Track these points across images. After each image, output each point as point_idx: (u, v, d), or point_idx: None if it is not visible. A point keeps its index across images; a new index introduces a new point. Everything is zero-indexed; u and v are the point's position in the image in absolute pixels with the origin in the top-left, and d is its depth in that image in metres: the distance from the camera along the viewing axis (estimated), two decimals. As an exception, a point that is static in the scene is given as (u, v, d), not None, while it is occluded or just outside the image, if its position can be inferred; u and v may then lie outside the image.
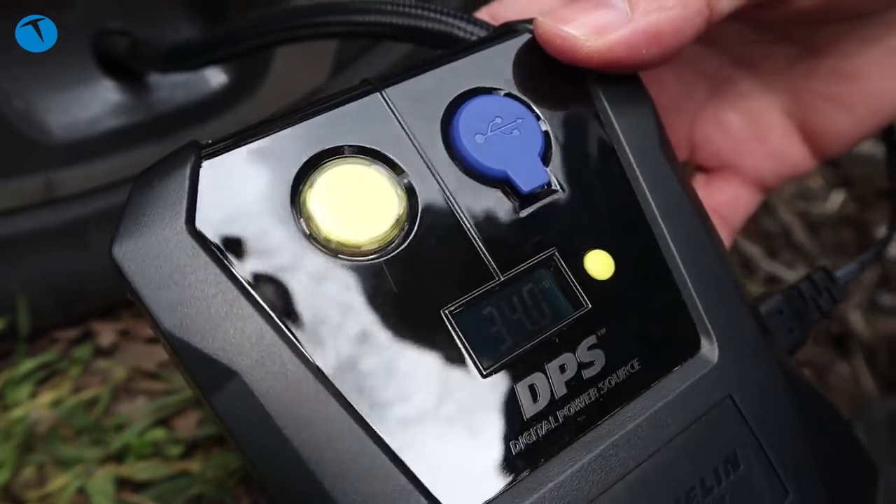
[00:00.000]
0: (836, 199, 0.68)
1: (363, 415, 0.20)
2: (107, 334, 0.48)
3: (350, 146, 0.22)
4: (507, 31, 0.26)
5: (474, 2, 0.32)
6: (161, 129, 0.44)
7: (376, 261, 0.21)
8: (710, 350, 0.23)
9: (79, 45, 0.42)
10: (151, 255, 0.20)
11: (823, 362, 0.55)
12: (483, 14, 0.31)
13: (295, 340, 0.20)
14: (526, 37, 0.25)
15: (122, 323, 0.49)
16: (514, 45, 0.25)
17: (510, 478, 0.20)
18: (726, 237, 0.35)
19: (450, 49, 0.25)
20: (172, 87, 0.45)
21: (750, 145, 0.34)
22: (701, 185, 0.36)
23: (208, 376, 0.19)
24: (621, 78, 0.25)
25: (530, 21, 0.25)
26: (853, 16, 0.29)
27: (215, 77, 0.46)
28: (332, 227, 0.21)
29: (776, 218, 0.65)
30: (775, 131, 0.34)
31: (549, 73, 0.25)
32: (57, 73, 0.42)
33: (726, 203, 0.35)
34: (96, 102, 0.43)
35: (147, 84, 0.44)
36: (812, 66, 0.32)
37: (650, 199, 0.24)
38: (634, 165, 0.24)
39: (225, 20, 0.44)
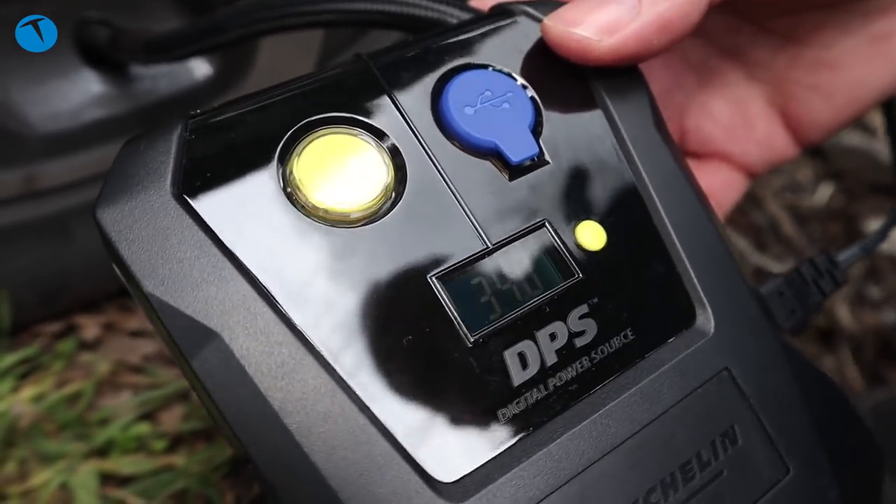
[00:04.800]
0: (825, 192, 0.68)
1: (346, 379, 0.20)
2: (91, 328, 0.47)
3: (338, 116, 0.22)
4: (500, 11, 0.26)
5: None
6: (144, 121, 0.44)
7: (364, 227, 0.21)
8: (705, 322, 0.23)
9: (59, 35, 0.41)
10: (135, 218, 0.20)
11: (810, 356, 0.55)
12: (475, 3, 0.31)
13: (277, 303, 0.20)
14: (519, 18, 0.25)
15: (107, 316, 0.49)
16: (506, 27, 0.25)
17: (498, 446, 0.20)
18: None
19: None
20: (156, 78, 0.44)
21: (738, 133, 0.35)
22: (693, 171, 0.36)
23: (189, 338, 0.19)
24: None
25: (523, 2, 0.26)
26: (833, 4, 0.29)
27: (199, 68, 0.45)
28: (320, 194, 0.21)
29: (764, 211, 0.65)
30: (760, 119, 0.34)
31: (541, 54, 0.25)
32: (37, 64, 0.41)
33: (717, 187, 0.36)
34: (78, 93, 0.42)
35: (130, 75, 0.44)
36: (793, 56, 0.32)
37: (643, 172, 0.24)
38: (627, 139, 0.24)
39: (208, 10, 0.43)
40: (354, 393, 0.19)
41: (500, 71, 0.24)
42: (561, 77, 0.25)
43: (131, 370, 0.46)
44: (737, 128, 0.35)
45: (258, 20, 0.29)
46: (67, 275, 0.45)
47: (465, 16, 0.27)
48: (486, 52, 0.24)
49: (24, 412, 0.42)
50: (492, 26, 0.25)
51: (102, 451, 0.42)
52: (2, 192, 0.41)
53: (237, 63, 0.45)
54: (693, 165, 0.36)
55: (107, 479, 0.41)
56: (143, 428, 0.43)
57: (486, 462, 0.20)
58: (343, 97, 0.22)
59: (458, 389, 0.20)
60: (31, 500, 0.40)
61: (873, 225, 0.65)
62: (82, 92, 0.43)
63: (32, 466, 0.41)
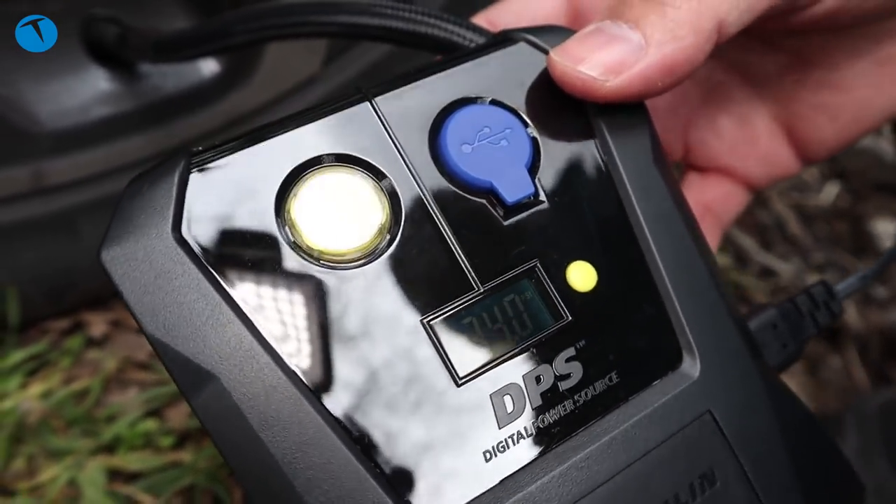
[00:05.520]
0: (831, 192, 0.68)
1: (339, 420, 0.20)
2: (98, 325, 0.48)
3: (336, 154, 0.22)
4: (504, 39, 0.25)
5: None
6: (152, 118, 0.44)
7: (358, 269, 0.21)
8: (691, 365, 0.23)
9: (67, 32, 0.42)
10: (137, 261, 0.20)
11: (816, 355, 0.55)
12: (480, 19, 0.31)
13: (274, 346, 0.20)
14: (521, 46, 0.25)
15: (114, 313, 0.49)
16: (508, 55, 0.25)
17: (480, 486, 0.21)
18: (717, 233, 0.36)
19: (448, 54, 0.25)
20: (164, 75, 0.44)
21: (741, 149, 0.35)
22: (694, 184, 0.36)
23: (188, 379, 0.20)
24: None
25: (526, 30, 0.25)
26: (842, 27, 0.29)
27: (207, 66, 0.45)
28: (316, 235, 0.21)
29: (770, 210, 0.65)
30: (764, 136, 0.34)
31: (542, 85, 0.25)
32: (45, 61, 0.41)
33: (719, 201, 0.36)
34: (86, 90, 0.43)
35: (138, 72, 0.44)
36: (801, 76, 0.32)
37: (639, 213, 0.24)
38: (625, 179, 0.24)
39: (216, 7, 0.43)
40: (348, 436, 0.20)
41: (499, 104, 0.24)
42: (561, 111, 0.25)
43: (138, 367, 0.47)
44: (740, 143, 0.35)
45: (267, 27, 0.29)
46: (75, 272, 0.45)
47: (471, 34, 0.27)
48: (487, 83, 0.24)
49: (32, 408, 0.43)
50: (494, 55, 0.25)
51: (110, 448, 0.42)
52: (10, 188, 0.41)
53: (244, 61, 0.45)
54: (695, 179, 0.37)
55: (114, 475, 0.41)
56: (151, 424, 0.43)
57: (469, 502, 0.21)
58: (341, 134, 0.23)
59: (446, 431, 0.21)
60: (40, 495, 0.40)
61: (879, 224, 0.65)
62: (90, 89, 0.43)
63: (41, 462, 0.41)
